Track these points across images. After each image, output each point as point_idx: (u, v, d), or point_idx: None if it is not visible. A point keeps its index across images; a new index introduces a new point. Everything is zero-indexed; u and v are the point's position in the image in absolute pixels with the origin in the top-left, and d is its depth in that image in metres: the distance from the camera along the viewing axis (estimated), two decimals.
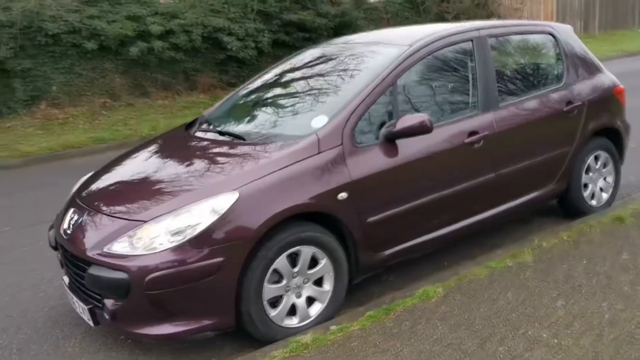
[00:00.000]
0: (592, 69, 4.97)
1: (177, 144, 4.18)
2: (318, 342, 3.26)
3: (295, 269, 3.45)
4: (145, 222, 3.24)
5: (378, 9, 15.90)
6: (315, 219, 3.51)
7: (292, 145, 3.56)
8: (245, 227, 3.22)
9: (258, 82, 4.72)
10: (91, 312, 3.36)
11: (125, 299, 3.18)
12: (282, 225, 3.35)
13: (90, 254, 3.27)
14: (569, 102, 4.65)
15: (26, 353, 3.57)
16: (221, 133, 4.07)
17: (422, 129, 3.68)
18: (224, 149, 3.85)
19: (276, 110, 4.23)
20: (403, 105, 3.90)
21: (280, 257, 3.35)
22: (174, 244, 3.13)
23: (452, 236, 4.19)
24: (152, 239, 3.16)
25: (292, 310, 3.51)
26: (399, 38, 4.40)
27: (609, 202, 5.14)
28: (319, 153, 3.52)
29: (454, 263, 4.33)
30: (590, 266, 3.92)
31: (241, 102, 4.58)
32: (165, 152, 4.09)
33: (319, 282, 3.59)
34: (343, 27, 14.48)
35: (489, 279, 3.84)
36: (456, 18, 15.83)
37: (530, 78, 4.76)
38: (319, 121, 3.70)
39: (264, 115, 4.24)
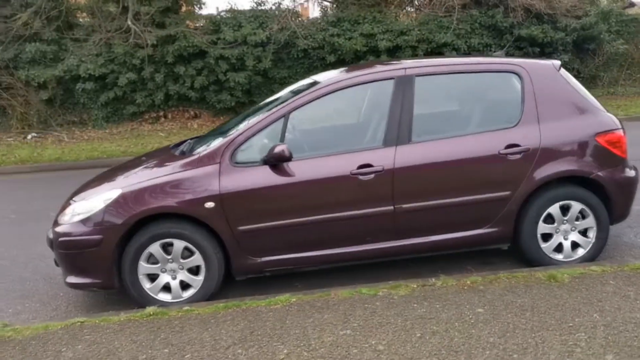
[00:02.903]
0: (570, 112, 4.38)
1: (149, 156, 5.18)
2: (131, 318, 4.04)
3: (170, 256, 4.31)
4: (75, 202, 4.50)
5: (638, 20, 14.10)
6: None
7: (181, 159, 4.41)
8: (119, 216, 4.20)
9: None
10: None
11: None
12: (156, 219, 4.26)
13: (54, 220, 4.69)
14: (512, 145, 4.32)
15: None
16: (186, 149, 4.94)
17: (281, 157, 4.13)
18: (158, 161, 4.73)
19: (219, 132, 4.99)
20: (293, 136, 4.34)
21: (154, 244, 4.24)
22: (76, 220, 4.32)
23: (342, 258, 4.40)
24: (72, 215, 4.40)
25: (169, 288, 4.38)
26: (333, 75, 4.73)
27: (587, 259, 4.48)
28: (196, 168, 4.28)
29: (373, 281, 4.47)
30: (419, 311, 3.76)
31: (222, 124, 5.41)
32: (138, 161, 5.17)
33: (196, 271, 4.37)
34: (584, 42, 13.41)
35: (341, 303, 3.96)
36: None
37: (466, 117, 4.47)
38: (215, 143, 4.44)
39: (215, 135, 4.99)
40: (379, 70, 4.51)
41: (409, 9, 14.18)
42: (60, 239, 4.31)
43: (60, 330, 3.98)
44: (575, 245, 4.53)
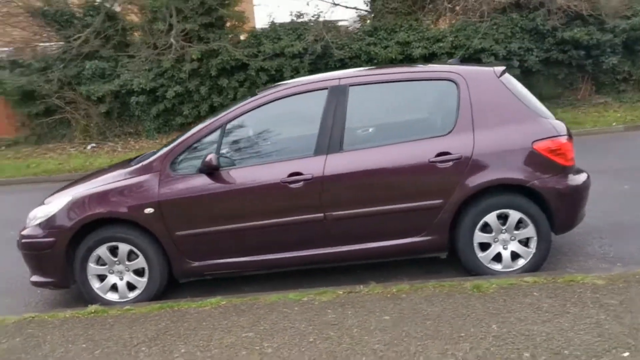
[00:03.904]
0: (508, 119, 4.22)
1: (112, 166, 5.43)
2: (75, 315, 4.28)
3: (116, 259, 4.54)
4: (40, 206, 4.82)
5: None
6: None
7: (127, 168, 4.63)
8: (68, 220, 4.48)
9: None
10: None
11: None
12: (105, 224, 4.49)
13: None
14: (442, 153, 4.23)
15: None
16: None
17: (210, 166, 4.27)
18: (113, 170, 4.92)
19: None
20: (229, 145, 4.47)
21: (101, 247, 4.49)
22: (36, 223, 4.63)
23: (279, 263, 4.46)
24: (34, 218, 4.71)
25: (117, 288, 4.61)
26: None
27: (528, 270, 4.29)
28: (138, 176, 4.49)
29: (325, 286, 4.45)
30: (329, 317, 3.77)
31: None
32: (100, 170, 5.42)
33: (141, 273, 4.57)
34: (635, 43, 12.75)
35: (264, 307, 4.05)
36: None
37: (400, 125, 4.40)
38: (159, 152, 4.63)
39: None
40: (314, 80, 4.56)
41: (448, 14, 13.93)
42: (22, 240, 4.63)
43: (11, 324, 4.28)
44: (515, 256, 4.37)
